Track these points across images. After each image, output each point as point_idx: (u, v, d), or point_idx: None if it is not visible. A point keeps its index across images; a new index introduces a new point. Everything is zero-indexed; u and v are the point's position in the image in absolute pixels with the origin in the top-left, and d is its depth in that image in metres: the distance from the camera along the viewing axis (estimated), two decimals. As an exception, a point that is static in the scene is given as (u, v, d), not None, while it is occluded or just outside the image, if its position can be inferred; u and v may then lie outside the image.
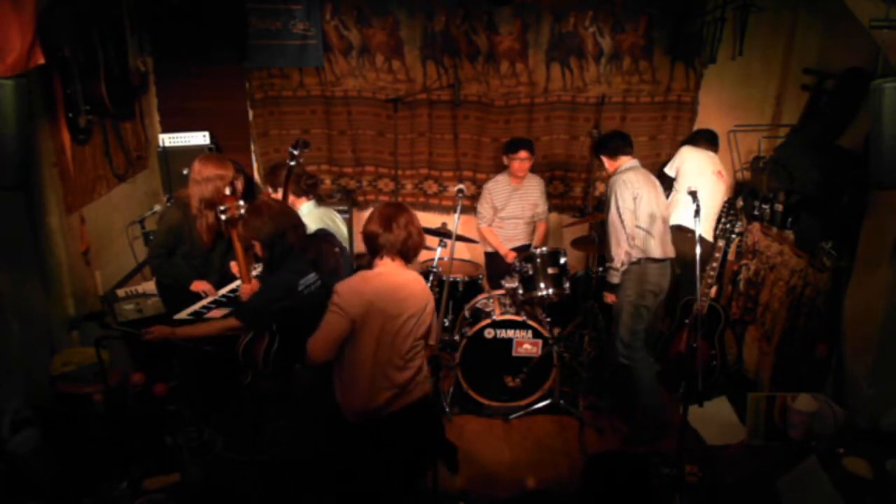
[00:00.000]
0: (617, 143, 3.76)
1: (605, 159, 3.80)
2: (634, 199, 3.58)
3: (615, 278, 3.69)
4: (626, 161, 3.74)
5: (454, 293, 4.42)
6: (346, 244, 3.47)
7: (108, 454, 3.21)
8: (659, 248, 3.68)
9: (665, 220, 3.74)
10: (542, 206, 4.67)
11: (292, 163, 3.23)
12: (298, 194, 3.41)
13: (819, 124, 4.21)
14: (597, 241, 4.38)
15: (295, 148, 3.23)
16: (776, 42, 4.65)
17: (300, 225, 2.94)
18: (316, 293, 2.85)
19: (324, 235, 3.22)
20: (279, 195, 3.31)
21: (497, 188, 4.55)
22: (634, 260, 3.64)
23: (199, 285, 3.44)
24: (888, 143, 2.55)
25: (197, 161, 3.41)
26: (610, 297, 3.80)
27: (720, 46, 4.53)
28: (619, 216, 3.59)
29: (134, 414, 3.49)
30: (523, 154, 4.37)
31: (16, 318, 3.22)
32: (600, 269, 4.25)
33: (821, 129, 4.15)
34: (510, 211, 4.57)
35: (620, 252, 3.61)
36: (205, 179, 3.32)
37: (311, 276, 2.86)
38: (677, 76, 4.77)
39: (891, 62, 2.80)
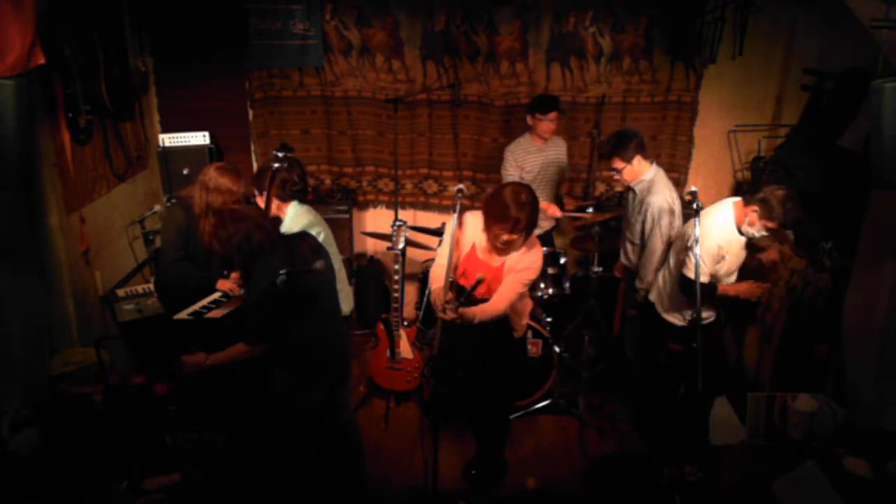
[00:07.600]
0: (641, 141, 3.46)
1: (621, 163, 3.48)
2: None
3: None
4: (649, 168, 3.52)
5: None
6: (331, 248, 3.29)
7: (108, 454, 3.21)
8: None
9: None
10: (568, 172, 4.64)
11: (276, 165, 3.12)
12: (284, 199, 3.26)
13: (819, 124, 4.21)
14: (597, 240, 4.37)
15: (279, 151, 3.16)
16: (776, 42, 4.64)
17: (264, 224, 2.75)
18: (308, 282, 2.68)
19: (301, 233, 3.06)
20: (263, 199, 3.21)
21: (519, 150, 4.38)
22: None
23: (224, 284, 3.43)
24: (888, 143, 2.55)
25: (213, 168, 3.31)
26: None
27: (720, 46, 4.53)
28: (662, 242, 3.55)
29: (134, 414, 3.49)
30: (553, 115, 4.23)
31: (16, 318, 3.22)
32: (599, 268, 4.25)
33: (821, 129, 4.15)
34: (536, 173, 4.39)
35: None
36: (216, 189, 3.24)
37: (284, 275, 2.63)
38: (677, 76, 4.77)
39: (891, 62, 2.80)
